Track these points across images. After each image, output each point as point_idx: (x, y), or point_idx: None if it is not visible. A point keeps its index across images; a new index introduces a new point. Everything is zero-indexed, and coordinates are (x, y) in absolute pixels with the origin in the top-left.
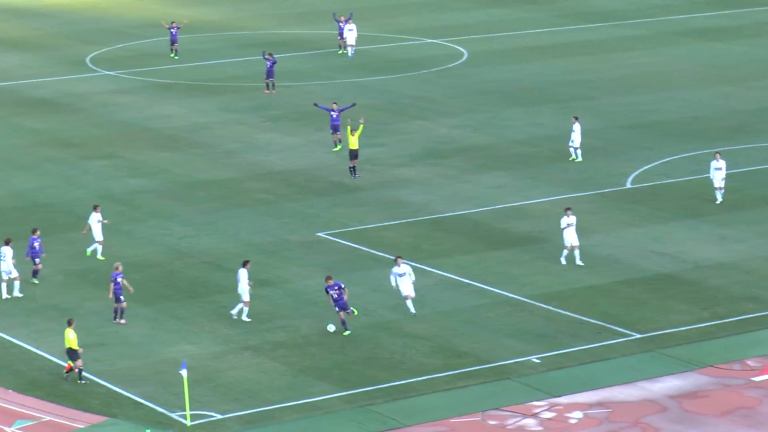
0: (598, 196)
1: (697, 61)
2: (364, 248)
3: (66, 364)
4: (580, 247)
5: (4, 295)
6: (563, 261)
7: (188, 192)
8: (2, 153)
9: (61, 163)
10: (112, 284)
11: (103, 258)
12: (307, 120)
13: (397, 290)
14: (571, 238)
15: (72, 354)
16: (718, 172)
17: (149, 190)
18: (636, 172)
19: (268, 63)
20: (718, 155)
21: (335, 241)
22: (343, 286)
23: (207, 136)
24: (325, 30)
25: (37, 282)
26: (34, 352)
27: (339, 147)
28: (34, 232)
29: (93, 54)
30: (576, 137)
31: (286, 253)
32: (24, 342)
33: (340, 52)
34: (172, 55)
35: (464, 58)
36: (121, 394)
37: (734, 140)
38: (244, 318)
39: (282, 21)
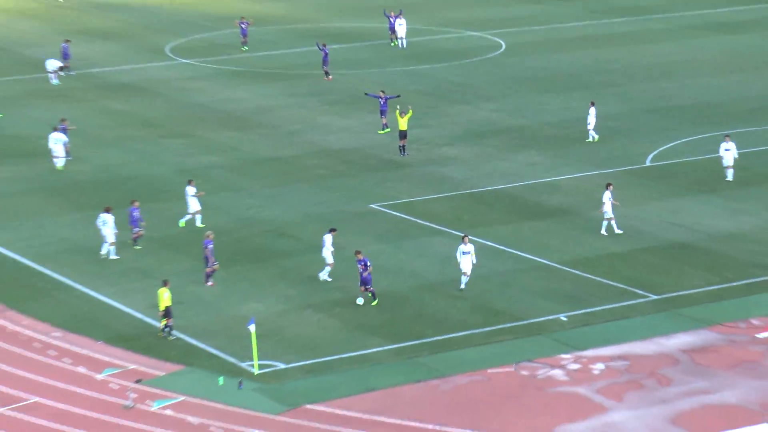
0: (621, 172)
1: (715, 52)
2: (412, 218)
3: (161, 323)
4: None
5: (102, 253)
6: (603, 232)
7: (255, 168)
8: (91, 132)
9: (142, 141)
10: (205, 249)
11: (203, 225)
12: (361, 105)
13: (458, 265)
14: (610, 209)
15: (167, 312)
16: (727, 153)
17: (220, 166)
18: (656, 152)
19: (323, 52)
20: (727, 138)
21: (386, 212)
22: (368, 263)
23: (272, 118)
24: (377, 23)
25: (139, 247)
26: (121, 309)
27: (387, 130)
28: (132, 203)
29: (172, 44)
30: (591, 120)
31: (342, 222)
32: (112, 300)
33: (392, 44)
34: (243, 48)
35: (502, 48)
36: (196, 346)
37: (747, 123)
38: (326, 278)
39: (340, 14)
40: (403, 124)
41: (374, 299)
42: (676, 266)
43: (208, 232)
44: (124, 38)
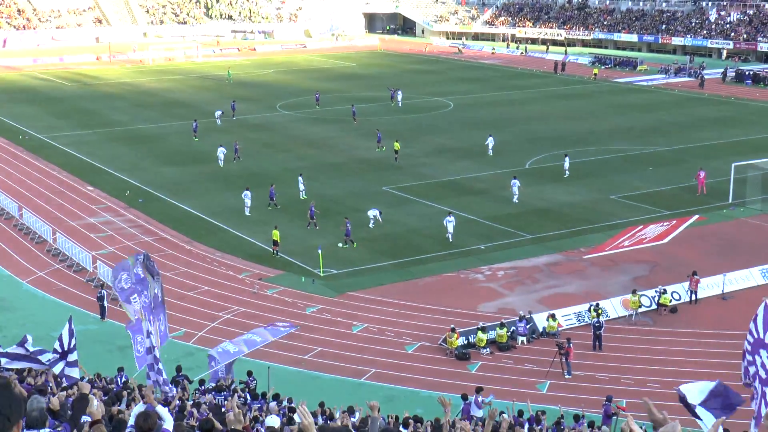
0: (513, 172)
1: (560, 109)
2: (405, 195)
3: (273, 248)
4: (507, 195)
5: (247, 214)
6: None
7: (323, 168)
8: (240, 149)
9: (265, 154)
10: (310, 210)
11: (305, 197)
12: (384, 135)
13: (445, 228)
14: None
15: (276, 243)
16: (566, 163)
17: (305, 167)
18: (531, 160)
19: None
20: (566, 155)
21: (391, 191)
22: (348, 225)
23: (331, 143)
24: (386, 92)
25: (270, 208)
26: (252, 241)
27: (383, 149)
28: (271, 185)
29: (280, 103)
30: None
31: (366, 197)
32: (247, 236)
33: (392, 104)
34: (317, 107)
35: (451, 107)
36: (291, 261)
37: (578, 145)
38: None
39: (366, 89)
40: (397, 146)
41: (354, 243)
42: (541, 220)
43: (312, 201)
44: (256, 100)
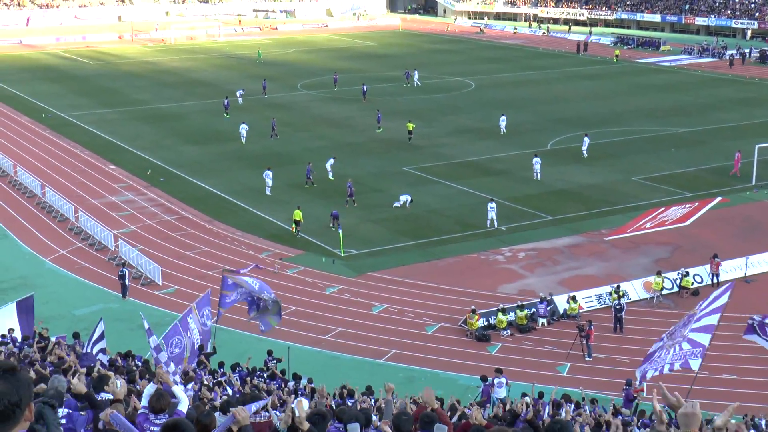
0: (535, 152)
1: (583, 90)
2: (425, 175)
3: (293, 228)
4: (528, 176)
5: (268, 193)
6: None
7: (342, 147)
8: (259, 129)
9: (286, 133)
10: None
11: (333, 178)
12: (402, 117)
13: (487, 213)
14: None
15: (298, 223)
16: (586, 143)
17: (326, 147)
18: (552, 141)
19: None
20: (586, 135)
21: (411, 171)
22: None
23: (351, 122)
24: (402, 72)
25: (308, 186)
26: (272, 221)
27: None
28: (309, 163)
29: (301, 82)
30: (502, 124)
31: (388, 177)
32: (267, 215)
33: (406, 84)
34: (335, 89)
35: (473, 87)
36: (311, 241)
37: (597, 127)
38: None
39: (388, 69)
40: (410, 126)
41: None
42: (561, 201)
43: (349, 179)
44: (277, 79)
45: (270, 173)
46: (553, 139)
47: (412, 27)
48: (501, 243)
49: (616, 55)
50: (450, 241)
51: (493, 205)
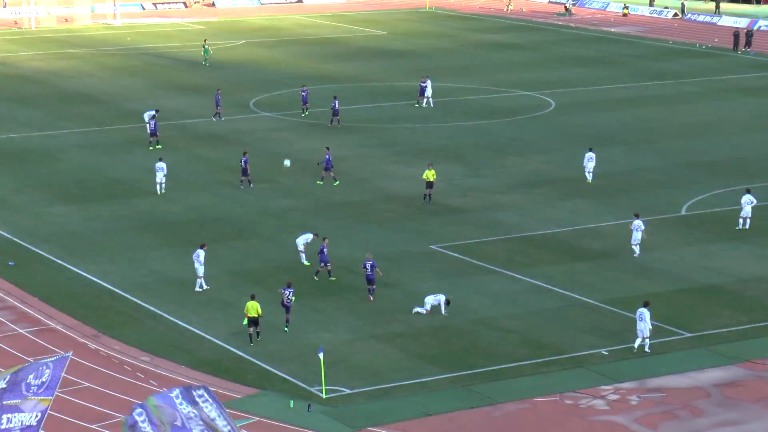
0: (659, 220)
1: (742, 113)
2: (468, 259)
3: (248, 332)
4: (643, 262)
5: (197, 289)
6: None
7: (328, 210)
8: (183, 176)
9: (228, 185)
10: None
11: (308, 263)
12: (425, 156)
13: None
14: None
15: (255, 320)
16: (747, 206)
17: (298, 209)
18: (690, 202)
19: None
20: (747, 191)
21: (445, 252)
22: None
23: (344, 167)
24: (440, 83)
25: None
26: (203, 336)
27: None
28: (324, 239)
29: (255, 99)
30: (590, 164)
31: (405, 261)
32: (195, 327)
33: (417, 105)
34: (304, 114)
35: (552, 107)
36: (270, 371)
37: None
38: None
39: (406, 75)
40: (430, 176)
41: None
42: (707, 306)
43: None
44: (212, 93)
45: (202, 253)
46: (691, 197)
47: (448, 3)
48: (601, 377)
49: None
50: (511, 373)
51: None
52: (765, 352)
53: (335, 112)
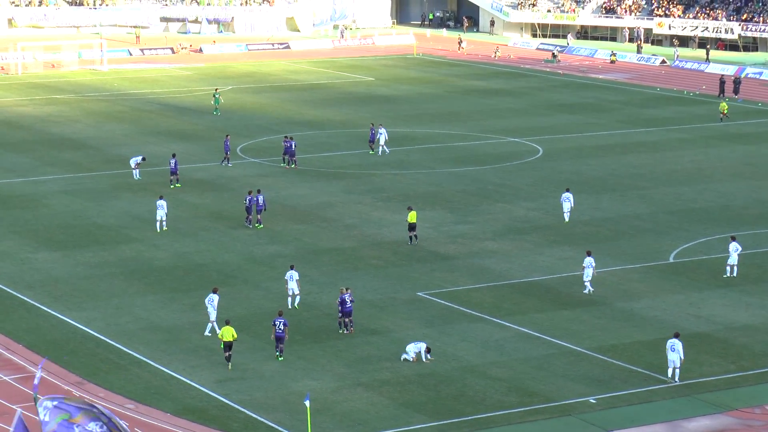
0: (646, 267)
1: (730, 160)
2: (455, 306)
3: (225, 353)
4: (631, 309)
5: (207, 333)
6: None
7: (315, 257)
8: (169, 222)
9: (214, 231)
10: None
11: (297, 306)
12: (412, 201)
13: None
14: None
15: (230, 345)
16: (734, 253)
17: (284, 255)
18: (678, 249)
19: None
20: (732, 238)
21: (432, 299)
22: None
23: (331, 213)
24: (429, 129)
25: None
26: (189, 383)
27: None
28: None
29: (242, 145)
30: (566, 205)
31: (392, 308)
32: (181, 375)
33: (371, 152)
34: (288, 165)
35: (540, 153)
36: (256, 419)
37: (760, 225)
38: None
39: (393, 121)
40: (412, 218)
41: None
42: (695, 354)
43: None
44: (199, 139)
45: (215, 298)
46: (678, 244)
47: (436, 50)
48: (588, 426)
49: None
50: (498, 422)
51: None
52: (753, 400)
53: (288, 152)
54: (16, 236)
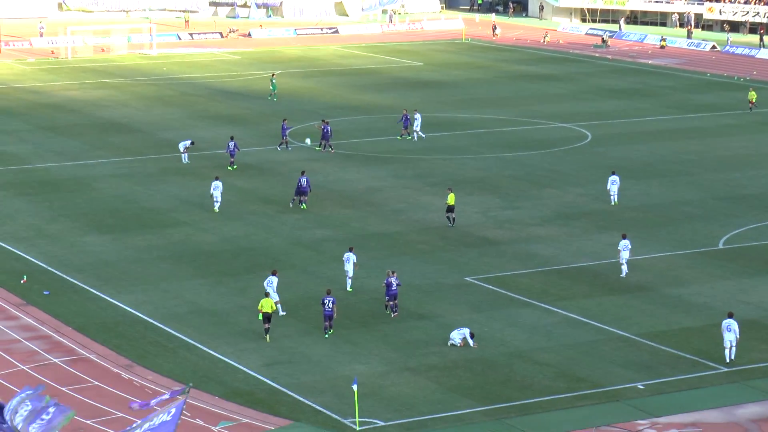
0: (695, 254)
1: None
2: (503, 291)
3: (264, 324)
4: (679, 295)
5: (281, 313)
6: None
7: (363, 242)
8: (219, 206)
9: (263, 215)
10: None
11: (351, 289)
12: (460, 187)
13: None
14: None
15: (269, 316)
16: None
17: (332, 239)
18: (728, 236)
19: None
20: None
21: (479, 284)
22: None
23: (379, 198)
24: (475, 114)
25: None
26: (237, 367)
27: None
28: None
29: (290, 129)
30: (614, 188)
31: (439, 293)
32: (229, 358)
33: (399, 138)
34: (317, 148)
35: (588, 139)
36: (304, 402)
37: None
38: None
39: (442, 106)
40: (451, 200)
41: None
42: (745, 341)
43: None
44: (248, 123)
45: (275, 280)
46: (728, 230)
47: (485, 34)
48: (636, 411)
49: None
50: (545, 407)
51: None
52: None
53: (325, 135)
54: (65, 219)
